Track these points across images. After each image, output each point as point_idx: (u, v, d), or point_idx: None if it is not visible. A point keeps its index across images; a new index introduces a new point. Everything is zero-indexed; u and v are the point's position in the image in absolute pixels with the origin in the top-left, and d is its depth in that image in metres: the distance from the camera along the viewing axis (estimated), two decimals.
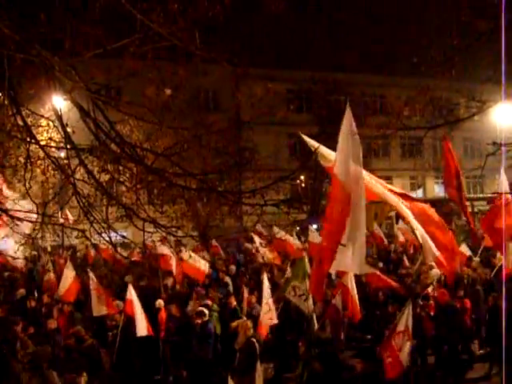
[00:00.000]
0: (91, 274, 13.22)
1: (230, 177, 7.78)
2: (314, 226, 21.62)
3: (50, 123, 8.47)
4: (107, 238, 7.49)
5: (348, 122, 8.57)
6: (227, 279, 16.45)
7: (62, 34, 5.24)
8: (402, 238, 23.02)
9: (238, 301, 13.32)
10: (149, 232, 6.81)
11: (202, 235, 24.30)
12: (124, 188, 7.50)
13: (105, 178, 7.11)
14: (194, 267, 16.36)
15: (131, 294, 11.38)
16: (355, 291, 11.69)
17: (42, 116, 7.17)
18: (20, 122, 6.65)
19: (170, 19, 5.75)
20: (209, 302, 12.54)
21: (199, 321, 11.39)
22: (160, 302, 12.72)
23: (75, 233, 9.17)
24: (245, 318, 11.25)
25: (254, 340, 10.11)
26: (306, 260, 11.94)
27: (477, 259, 16.55)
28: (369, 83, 37.33)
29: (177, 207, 7.45)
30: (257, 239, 21.05)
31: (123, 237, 8.74)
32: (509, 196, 10.62)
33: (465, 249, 17.86)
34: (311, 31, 34.60)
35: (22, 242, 9.58)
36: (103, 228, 6.68)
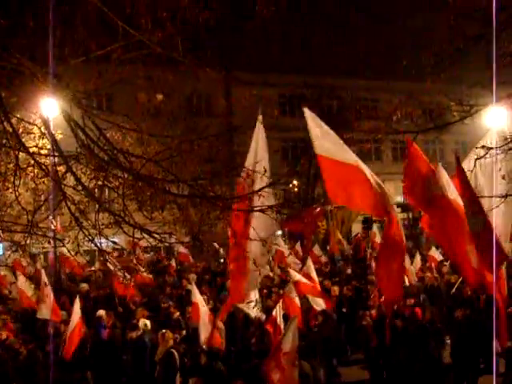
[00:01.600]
0: (44, 276, 12.97)
1: (221, 182, 7.78)
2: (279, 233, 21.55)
3: (41, 130, 8.45)
4: (98, 245, 7.47)
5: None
6: (190, 287, 15.80)
7: (46, 41, 5.23)
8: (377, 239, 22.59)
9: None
10: (137, 238, 6.78)
11: (195, 241, 24.13)
12: (116, 194, 7.48)
13: (96, 184, 7.10)
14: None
15: (76, 305, 11.20)
16: (298, 303, 11.73)
17: (30, 123, 7.16)
18: (9, 129, 6.63)
19: (158, 26, 5.75)
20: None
21: (133, 335, 11.02)
22: (99, 312, 12.42)
23: (66, 239, 9.13)
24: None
25: (174, 351, 9.85)
26: None
27: (447, 264, 16.45)
28: (361, 87, 37.43)
29: (166, 213, 7.44)
30: None
31: (114, 243, 8.71)
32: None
33: (435, 253, 17.83)
34: (303, 36, 34.71)
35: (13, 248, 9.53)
36: (90, 234, 6.64)
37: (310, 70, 34.79)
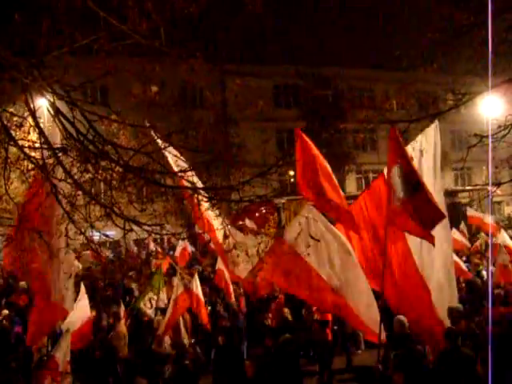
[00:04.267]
0: None
1: (209, 173, 7.76)
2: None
3: (30, 122, 8.41)
4: (89, 238, 7.47)
5: None
6: (133, 286, 15.67)
7: (30, 34, 5.20)
8: None
9: None
10: (129, 231, 6.77)
11: (190, 232, 24.19)
12: (106, 186, 7.45)
13: (86, 176, 7.08)
14: None
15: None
16: (202, 299, 11.69)
17: (19, 116, 7.13)
18: None
19: (144, 17, 5.72)
20: None
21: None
22: (3, 312, 11.92)
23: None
24: None
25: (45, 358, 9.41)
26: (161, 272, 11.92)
27: None
28: (356, 77, 37.36)
29: (158, 205, 7.43)
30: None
31: (106, 236, 8.69)
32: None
33: None
34: (296, 27, 34.61)
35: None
36: (81, 227, 6.63)
37: (305, 61, 34.72)
